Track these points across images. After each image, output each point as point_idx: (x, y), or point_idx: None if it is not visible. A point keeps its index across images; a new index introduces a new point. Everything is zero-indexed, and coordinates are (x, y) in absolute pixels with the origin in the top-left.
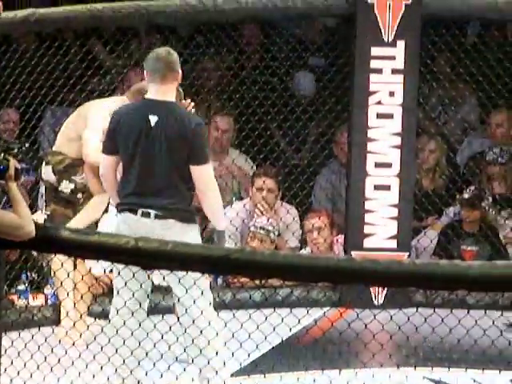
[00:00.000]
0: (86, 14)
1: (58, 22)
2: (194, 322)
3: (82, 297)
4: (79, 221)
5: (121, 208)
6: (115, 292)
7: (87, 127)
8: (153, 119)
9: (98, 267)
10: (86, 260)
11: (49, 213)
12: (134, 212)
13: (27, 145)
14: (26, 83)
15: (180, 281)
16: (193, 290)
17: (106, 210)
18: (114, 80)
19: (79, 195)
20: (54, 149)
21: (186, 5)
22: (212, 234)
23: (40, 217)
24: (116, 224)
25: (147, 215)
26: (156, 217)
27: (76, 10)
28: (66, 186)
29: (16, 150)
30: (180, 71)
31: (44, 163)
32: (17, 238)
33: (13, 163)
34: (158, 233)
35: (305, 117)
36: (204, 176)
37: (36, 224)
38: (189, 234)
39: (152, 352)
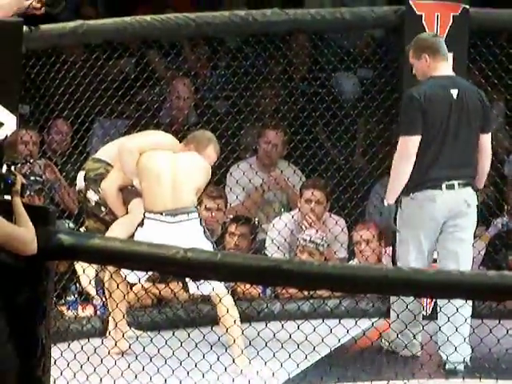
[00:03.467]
0: (134, 26)
1: (106, 34)
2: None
3: (117, 305)
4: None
5: (422, 187)
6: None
7: (144, 136)
8: (454, 93)
9: (133, 275)
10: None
11: (85, 229)
12: (439, 187)
13: (32, 160)
14: (75, 95)
15: None
16: None
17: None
18: (163, 91)
19: (103, 208)
20: (94, 156)
21: (234, 16)
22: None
23: None
24: (412, 204)
25: (451, 187)
26: (459, 186)
27: (124, 21)
28: (91, 196)
29: (20, 165)
30: None
31: (80, 170)
32: (22, 253)
33: (20, 178)
34: (463, 199)
35: (353, 128)
36: (490, 143)
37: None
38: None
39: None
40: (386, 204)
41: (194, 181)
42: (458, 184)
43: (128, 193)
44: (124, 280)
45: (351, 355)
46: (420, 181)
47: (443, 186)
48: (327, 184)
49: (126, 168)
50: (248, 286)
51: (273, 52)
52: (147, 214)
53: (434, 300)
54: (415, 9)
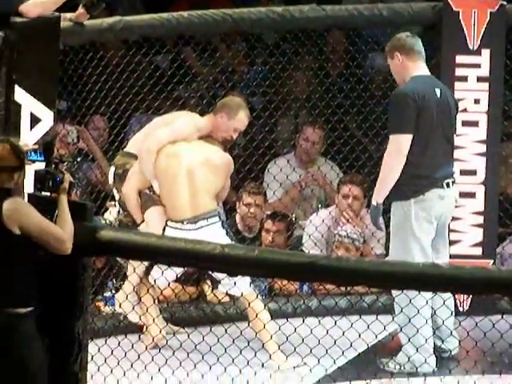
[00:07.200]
0: (171, 22)
1: (144, 30)
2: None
3: (147, 309)
4: None
5: (430, 186)
6: None
7: (167, 125)
8: (437, 92)
9: (163, 279)
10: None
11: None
12: (441, 186)
13: (79, 159)
14: (112, 91)
15: None
16: None
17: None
18: (200, 87)
19: (121, 210)
20: (125, 149)
21: (271, 12)
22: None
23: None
24: (417, 206)
25: (449, 185)
26: (452, 184)
27: (162, 17)
28: (117, 195)
29: (67, 164)
30: None
31: (111, 165)
32: (55, 251)
33: (68, 176)
34: (455, 197)
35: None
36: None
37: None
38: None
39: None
40: (374, 203)
41: (212, 184)
42: (452, 182)
43: (146, 199)
44: (153, 286)
45: (388, 351)
46: (427, 181)
47: (444, 184)
48: (365, 180)
49: (145, 170)
50: (285, 282)
51: (310, 48)
52: (169, 223)
53: (471, 295)
54: (452, 5)
